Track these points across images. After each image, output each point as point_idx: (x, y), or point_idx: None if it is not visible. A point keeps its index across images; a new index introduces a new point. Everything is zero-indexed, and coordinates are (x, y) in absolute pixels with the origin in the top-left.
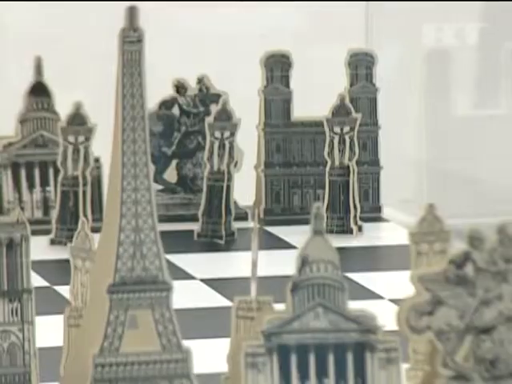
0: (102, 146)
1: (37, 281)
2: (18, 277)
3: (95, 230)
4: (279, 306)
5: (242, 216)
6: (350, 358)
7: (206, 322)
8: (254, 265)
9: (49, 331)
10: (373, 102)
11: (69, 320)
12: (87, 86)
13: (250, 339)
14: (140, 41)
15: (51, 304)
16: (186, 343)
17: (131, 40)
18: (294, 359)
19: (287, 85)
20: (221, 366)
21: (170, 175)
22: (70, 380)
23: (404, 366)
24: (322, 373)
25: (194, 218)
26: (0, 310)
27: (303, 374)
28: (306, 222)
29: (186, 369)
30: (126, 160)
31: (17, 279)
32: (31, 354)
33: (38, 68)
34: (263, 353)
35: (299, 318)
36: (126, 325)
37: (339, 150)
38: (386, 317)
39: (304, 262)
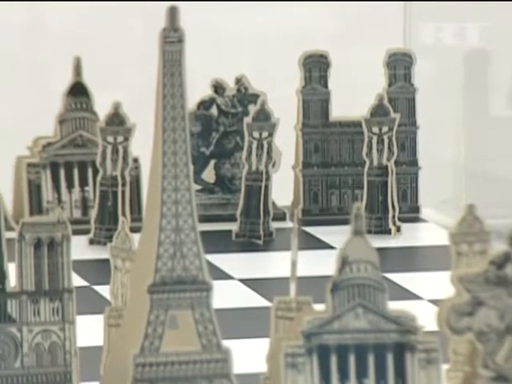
0: (141, 146)
1: (76, 280)
2: (58, 276)
3: (134, 229)
4: (318, 307)
5: (280, 216)
6: (389, 358)
7: (244, 322)
8: (294, 265)
9: (88, 331)
10: (411, 102)
11: (109, 320)
12: (126, 86)
13: (289, 339)
14: (181, 41)
15: (90, 303)
16: (225, 343)
17: (172, 40)
18: (333, 359)
19: (325, 85)
20: (260, 366)
21: (208, 175)
22: (110, 379)
23: (444, 367)
24: (361, 373)
25: (231, 218)
26: (41, 310)
27: (343, 375)
28: (343, 222)
29: (226, 369)
30: (167, 160)
31: (58, 279)
32: (72, 354)
33: (77, 68)
34: (303, 353)
35: (339, 318)
36: (166, 325)
37: (377, 151)
38: (425, 317)
39: (344, 263)
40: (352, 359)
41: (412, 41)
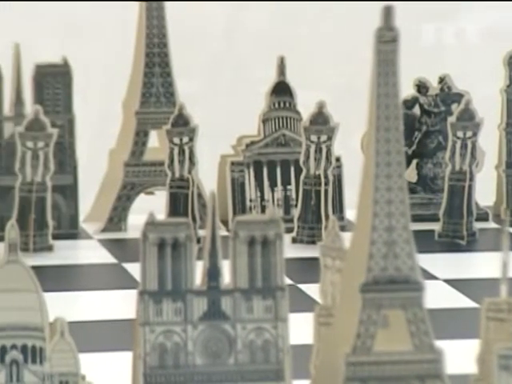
0: (342, 145)
1: None
2: (271, 274)
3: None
4: None
5: (483, 216)
6: None
7: (450, 323)
8: (505, 266)
9: (295, 329)
10: None
11: (319, 318)
12: (329, 86)
13: (501, 341)
14: (395, 40)
15: (296, 302)
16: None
17: (386, 39)
18: None
19: None
20: (469, 367)
21: (410, 175)
22: (321, 378)
23: None
24: None
25: (433, 218)
26: (254, 307)
27: None
28: None
29: (439, 369)
30: (380, 159)
31: (270, 277)
32: (284, 351)
33: (281, 67)
34: None
35: None
36: (379, 324)
37: None
38: None
39: None
40: None
41: None
